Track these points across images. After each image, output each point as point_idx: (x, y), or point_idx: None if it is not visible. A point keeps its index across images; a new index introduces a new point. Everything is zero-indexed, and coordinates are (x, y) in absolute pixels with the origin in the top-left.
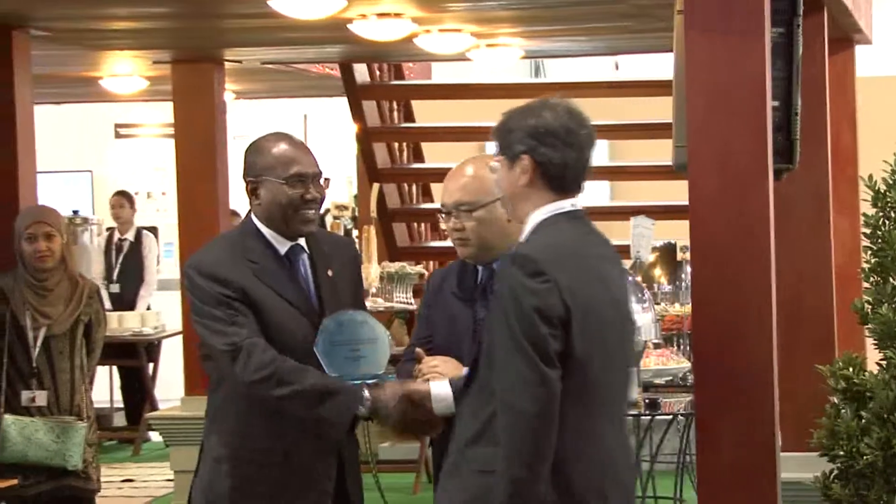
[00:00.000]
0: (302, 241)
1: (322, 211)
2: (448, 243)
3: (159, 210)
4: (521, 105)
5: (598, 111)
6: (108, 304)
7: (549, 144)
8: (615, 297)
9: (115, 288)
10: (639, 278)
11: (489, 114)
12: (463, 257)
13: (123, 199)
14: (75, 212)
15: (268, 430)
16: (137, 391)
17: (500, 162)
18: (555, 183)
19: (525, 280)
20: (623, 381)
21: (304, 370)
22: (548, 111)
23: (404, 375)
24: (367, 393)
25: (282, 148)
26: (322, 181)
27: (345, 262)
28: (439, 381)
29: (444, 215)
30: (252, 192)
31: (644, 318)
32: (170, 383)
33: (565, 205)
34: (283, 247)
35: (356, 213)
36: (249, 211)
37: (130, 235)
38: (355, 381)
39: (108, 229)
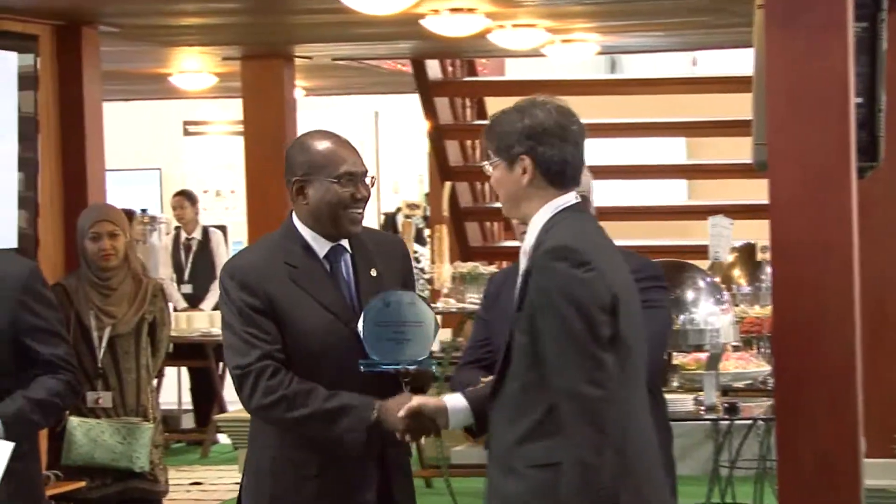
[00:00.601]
0: (344, 242)
1: (393, 210)
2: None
3: (228, 209)
4: (508, 107)
5: (675, 108)
6: (182, 304)
7: (547, 143)
8: (631, 281)
9: (188, 288)
10: (717, 279)
11: None
12: None
13: (184, 200)
14: (143, 210)
15: (301, 442)
16: (206, 393)
17: (496, 165)
18: (557, 180)
19: (572, 271)
20: (645, 361)
21: (312, 391)
22: (538, 110)
23: (462, 382)
24: (376, 402)
25: (329, 146)
26: (368, 180)
27: (391, 260)
28: (452, 394)
29: None
30: (299, 192)
31: (723, 320)
32: None
33: (570, 199)
34: (322, 248)
35: (427, 213)
36: (291, 212)
37: (197, 234)
38: (395, 366)
39: (175, 228)
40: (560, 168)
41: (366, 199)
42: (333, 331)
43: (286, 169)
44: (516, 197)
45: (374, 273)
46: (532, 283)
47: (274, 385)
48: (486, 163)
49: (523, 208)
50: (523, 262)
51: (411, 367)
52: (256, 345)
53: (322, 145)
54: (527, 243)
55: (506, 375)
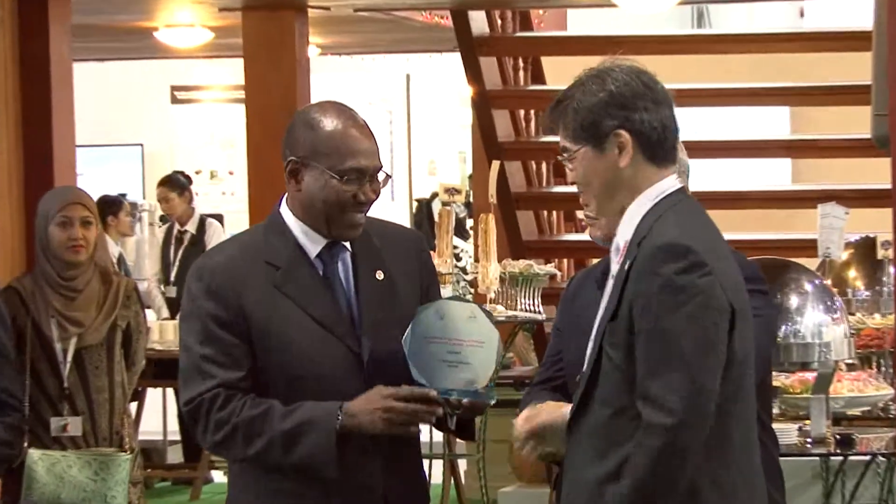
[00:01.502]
0: None
1: (428, 196)
2: (588, 237)
3: (225, 193)
4: (576, 80)
5: (778, 70)
6: (165, 313)
7: (642, 107)
8: (743, 286)
9: (172, 291)
10: (828, 282)
11: None
12: (593, 239)
13: (168, 190)
14: (122, 195)
15: (283, 484)
16: None
17: (578, 154)
18: (659, 152)
19: (681, 275)
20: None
21: (267, 413)
22: (616, 72)
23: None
24: (341, 405)
25: (342, 130)
26: (381, 177)
27: (405, 259)
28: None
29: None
30: (293, 174)
31: (835, 332)
32: None
33: (673, 182)
34: (315, 246)
35: (471, 199)
36: (282, 198)
37: (192, 227)
38: (447, 395)
39: (160, 218)
40: (661, 135)
41: (371, 202)
42: (325, 349)
43: (284, 142)
44: (614, 186)
45: (380, 276)
46: (632, 288)
47: (224, 416)
48: (563, 157)
49: (620, 199)
50: (616, 263)
51: (465, 400)
52: (211, 371)
53: (332, 125)
54: (620, 238)
55: (591, 399)
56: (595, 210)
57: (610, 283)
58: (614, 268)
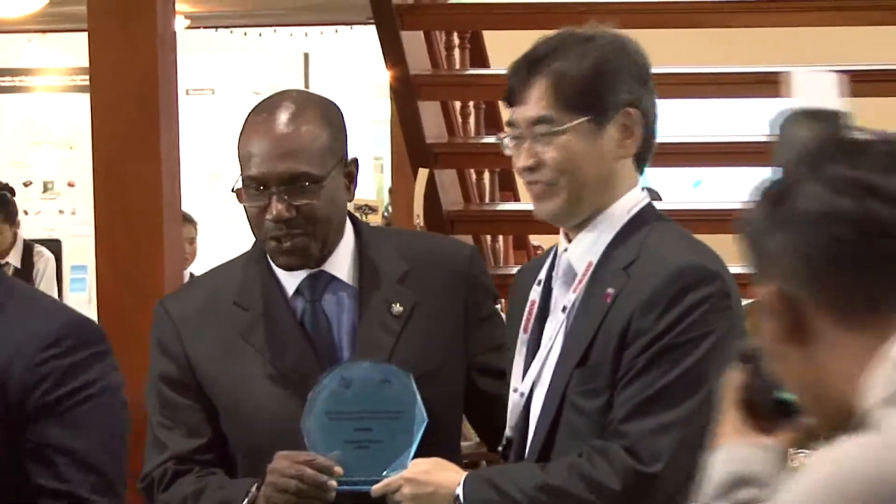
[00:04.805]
0: (334, 266)
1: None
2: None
3: (63, 212)
4: (557, 35)
5: (820, 47)
6: None
7: (650, 90)
8: None
9: None
10: None
11: None
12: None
13: None
14: None
15: None
16: None
17: (570, 129)
18: (647, 154)
19: (711, 304)
20: None
21: (202, 491)
22: (630, 42)
23: None
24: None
25: (247, 127)
26: (307, 186)
27: (445, 289)
28: None
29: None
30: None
31: None
32: None
33: (641, 193)
34: (293, 279)
35: (389, 217)
36: None
37: (14, 258)
38: (355, 487)
39: None
40: (653, 132)
41: (289, 223)
42: (290, 412)
43: None
44: (603, 181)
45: (397, 309)
46: (625, 322)
47: (166, 499)
48: (535, 132)
49: (593, 202)
50: (571, 292)
51: (372, 489)
52: (166, 442)
53: (246, 123)
54: (576, 259)
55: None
56: (566, 212)
57: (559, 318)
58: (566, 298)
